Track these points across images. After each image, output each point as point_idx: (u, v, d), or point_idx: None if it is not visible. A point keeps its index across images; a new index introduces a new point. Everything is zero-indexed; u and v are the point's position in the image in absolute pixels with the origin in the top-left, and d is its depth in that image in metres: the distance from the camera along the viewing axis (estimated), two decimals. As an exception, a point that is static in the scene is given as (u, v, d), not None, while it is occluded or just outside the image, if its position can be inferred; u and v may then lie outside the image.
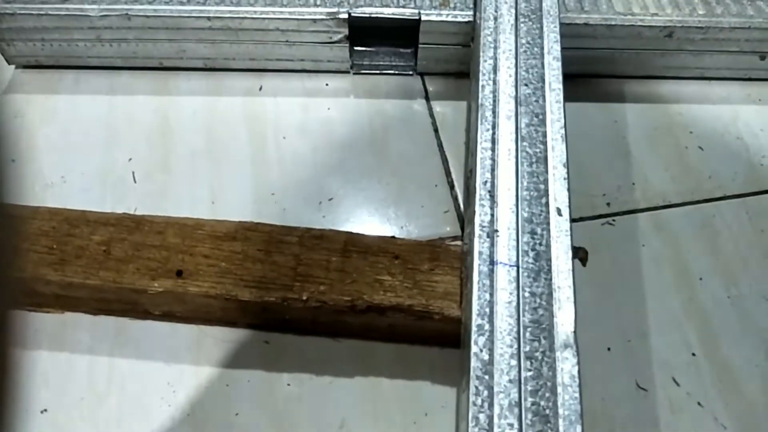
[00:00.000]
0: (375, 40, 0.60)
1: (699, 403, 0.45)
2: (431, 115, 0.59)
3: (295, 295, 0.41)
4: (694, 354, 0.47)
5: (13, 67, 0.62)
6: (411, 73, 0.61)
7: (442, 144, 0.57)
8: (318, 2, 0.56)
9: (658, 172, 0.56)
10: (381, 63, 0.61)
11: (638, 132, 0.59)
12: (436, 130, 0.58)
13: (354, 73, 0.61)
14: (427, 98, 0.60)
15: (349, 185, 0.55)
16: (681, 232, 0.53)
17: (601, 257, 0.51)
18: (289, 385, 0.45)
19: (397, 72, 0.61)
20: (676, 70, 0.61)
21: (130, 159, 0.56)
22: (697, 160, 0.57)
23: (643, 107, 0.60)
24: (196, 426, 0.43)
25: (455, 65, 0.60)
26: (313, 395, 0.44)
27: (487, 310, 0.34)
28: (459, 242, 0.49)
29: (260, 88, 0.60)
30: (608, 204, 0.54)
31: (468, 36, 0.56)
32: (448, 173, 0.55)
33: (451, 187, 0.54)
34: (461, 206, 0.53)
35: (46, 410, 0.44)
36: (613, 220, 0.53)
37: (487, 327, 0.33)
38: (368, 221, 0.52)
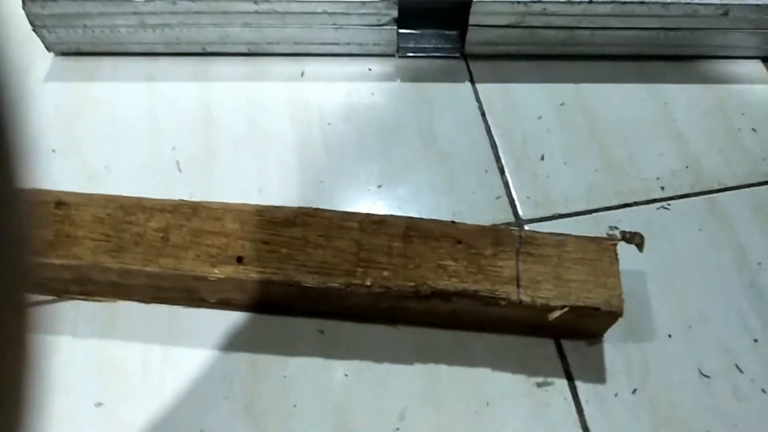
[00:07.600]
0: (421, 23, 0.59)
1: (763, 390, 0.44)
2: (477, 98, 0.58)
3: (358, 281, 0.41)
4: (756, 340, 0.46)
5: (52, 54, 0.61)
6: (457, 55, 0.60)
7: (490, 128, 0.56)
8: (365, -16, 0.55)
9: (711, 155, 0.55)
10: (427, 46, 0.60)
11: (689, 114, 0.58)
12: (483, 114, 0.57)
13: (399, 57, 0.60)
14: (472, 81, 0.59)
15: (397, 171, 0.54)
16: (737, 215, 0.52)
17: (658, 242, 0.50)
18: (347, 375, 0.44)
19: (442, 55, 0.60)
20: (729, 50, 0.59)
21: (174, 148, 0.55)
22: (750, 142, 0.56)
23: (694, 88, 0.59)
24: (254, 418, 0.43)
25: (503, 47, 0.59)
26: (371, 385, 0.44)
27: None
28: (515, 228, 0.48)
29: (302, 74, 0.59)
30: (662, 188, 0.53)
31: (519, 16, 0.55)
32: (497, 158, 0.54)
33: (502, 172, 0.54)
34: (513, 191, 0.52)
35: (101, 403, 0.43)
36: (668, 205, 0.52)
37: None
38: (419, 208, 0.52)
